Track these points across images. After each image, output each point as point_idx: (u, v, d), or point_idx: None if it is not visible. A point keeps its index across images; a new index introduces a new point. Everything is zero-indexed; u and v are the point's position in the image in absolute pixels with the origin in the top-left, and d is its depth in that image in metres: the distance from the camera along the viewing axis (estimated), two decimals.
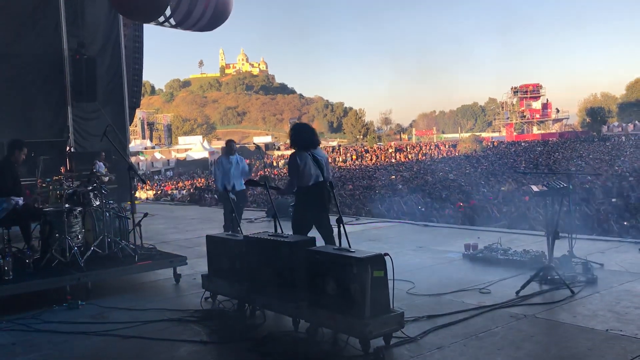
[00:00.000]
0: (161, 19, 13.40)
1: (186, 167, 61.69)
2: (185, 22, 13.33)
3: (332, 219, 5.66)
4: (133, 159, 50.76)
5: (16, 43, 16.04)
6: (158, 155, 67.71)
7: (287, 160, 6.46)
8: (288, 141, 6.40)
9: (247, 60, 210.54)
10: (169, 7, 12.69)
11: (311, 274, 4.49)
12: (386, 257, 4.15)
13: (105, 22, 18.09)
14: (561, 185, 5.84)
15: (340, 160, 64.42)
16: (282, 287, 4.75)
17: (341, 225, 4.90)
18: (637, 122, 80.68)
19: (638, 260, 6.67)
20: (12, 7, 15.95)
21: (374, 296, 4.04)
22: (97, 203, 7.20)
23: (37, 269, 6.40)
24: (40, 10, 16.54)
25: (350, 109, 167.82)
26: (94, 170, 13.82)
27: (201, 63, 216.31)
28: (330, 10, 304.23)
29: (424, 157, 59.62)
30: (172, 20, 13.22)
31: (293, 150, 6.22)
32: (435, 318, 4.86)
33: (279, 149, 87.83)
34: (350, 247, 4.79)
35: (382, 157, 66.08)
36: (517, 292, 5.48)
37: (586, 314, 4.79)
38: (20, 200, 6.92)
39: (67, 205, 6.86)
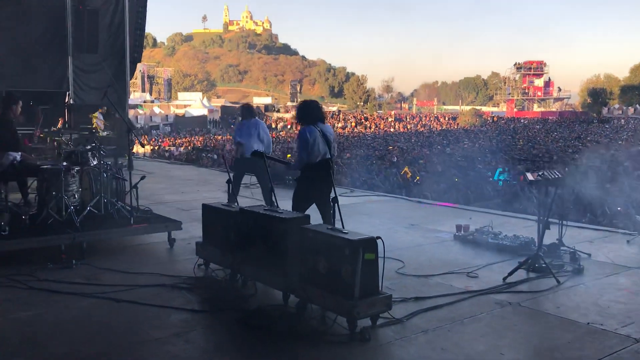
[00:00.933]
0: None
1: (185, 124, 61.48)
2: None
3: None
4: (131, 112, 50.49)
5: None
6: (157, 110, 67.39)
7: (295, 137, 6.44)
8: (293, 114, 6.42)
9: (251, 18, 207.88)
10: None
11: (304, 252, 4.56)
12: (378, 240, 4.22)
13: None
14: (556, 176, 5.89)
15: (339, 126, 64.22)
16: (275, 262, 4.84)
17: (336, 205, 4.98)
18: (637, 105, 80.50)
19: (625, 252, 6.78)
20: None
21: (364, 278, 4.13)
22: (95, 162, 7.24)
23: (32, 225, 6.47)
24: None
25: (353, 74, 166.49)
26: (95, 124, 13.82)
27: (204, 18, 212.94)
28: None
29: (423, 128, 59.52)
30: None
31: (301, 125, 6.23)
32: (422, 300, 4.97)
33: (278, 111, 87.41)
34: (343, 227, 4.87)
35: (382, 126, 65.96)
36: (504, 279, 5.59)
37: (569, 305, 4.90)
38: (18, 156, 6.95)
39: (64, 164, 6.89)
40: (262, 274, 5.04)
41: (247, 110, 9.16)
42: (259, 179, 8.51)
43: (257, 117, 9.24)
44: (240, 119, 9.47)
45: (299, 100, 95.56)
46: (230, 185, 6.22)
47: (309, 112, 6.21)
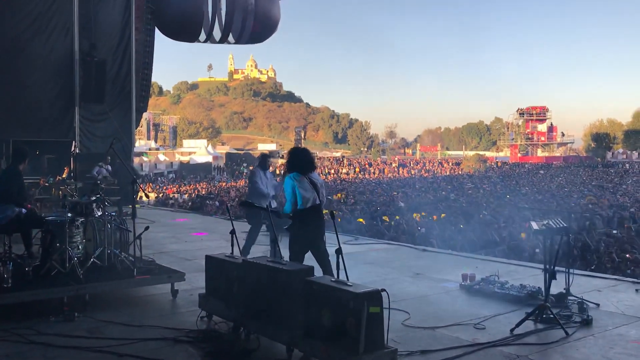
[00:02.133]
0: (202, 37, 13.52)
1: (189, 171, 61.77)
2: (227, 38, 13.39)
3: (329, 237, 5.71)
4: (136, 160, 50.90)
5: (28, 42, 16.22)
6: (162, 157, 67.86)
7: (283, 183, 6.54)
8: (284, 163, 6.47)
9: (255, 67, 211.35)
10: (203, 29, 12.82)
11: (307, 304, 4.51)
12: (383, 293, 4.18)
13: (117, 26, 18.27)
14: (561, 225, 5.86)
15: (344, 172, 64.41)
16: (278, 315, 4.78)
17: (340, 255, 4.96)
18: None
19: (634, 301, 6.68)
20: (26, 7, 16.11)
21: (369, 331, 4.07)
22: (99, 213, 7.25)
23: (35, 277, 6.44)
24: (53, 11, 16.72)
25: (356, 120, 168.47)
26: (94, 174, 13.92)
27: (210, 67, 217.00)
28: (340, 22, 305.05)
29: (427, 174, 59.63)
30: (213, 39, 13.33)
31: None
32: (428, 353, 4.88)
33: (282, 157, 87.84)
34: (347, 278, 4.83)
35: (386, 171, 66.14)
36: (512, 330, 5.49)
37: (579, 358, 4.80)
38: (24, 211, 6.98)
39: (69, 215, 6.91)
40: (265, 327, 4.97)
41: (264, 160, 9.43)
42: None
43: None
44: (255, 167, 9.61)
45: (303, 145, 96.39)
46: (234, 236, 6.19)
47: (299, 160, 6.28)
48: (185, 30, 13.03)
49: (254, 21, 12.83)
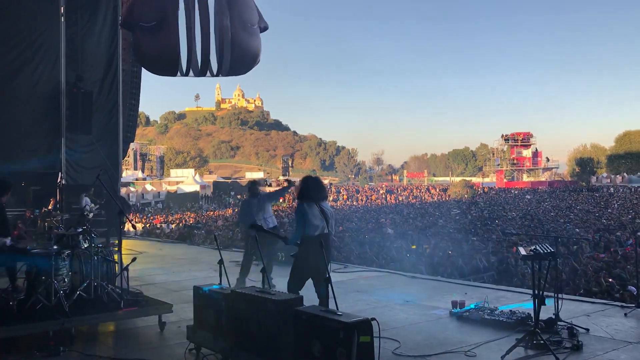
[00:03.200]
0: (180, 72, 13.64)
1: (177, 200, 61.51)
2: (206, 73, 13.51)
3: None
4: (123, 190, 50.60)
5: (14, 73, 16.18)
6: (149, 187, 67.55)
7: (294, 210, 6.59)
8: (296, 192, 6.50)
9: (243, 96, 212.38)
10: (182, 62, 12.91)
11: (297, 335, 4.48)
12: (373, 322, 4.16)
13: (104, 57, 18.30)
14: (548, 251, 5.89)
15: (331, 199, 64.44)
16: (268, 346, 4.73)
17: (329, 284, 4.94)
18: (625, 174, 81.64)
19: (623, 326, 6.69)
20: (13, 38, 16.13)
21: None
22: (86, 245, 7.18)
23: (20, 311, 6.33)
24: (40, 43, 16.73)
25: (343, 148, 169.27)
26: (84, 205, 13.85)
27: (197, 97, 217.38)
28: (325, 52, 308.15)
29: (414, 200, 59.81)
30: (191, 73, 13.44)
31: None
32: None
33: (270, 185, 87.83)
34: (337, 306, 4.80)
35: (373, 198, 66.26)
36: (503, 357, 5.47)
37: None
38: (8, 241, 6.90)
39: (55, 247, 6.83)
40: (254, 359, 4.91)
41: (253, 187, 9.52)
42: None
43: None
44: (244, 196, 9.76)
45: (290, 174, 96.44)
46: (222, 266, 6.15)
47: (308, 189, 6.32)
48: (162, 66, 13.13)
49: (232, 55, 12.95)
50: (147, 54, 13.57)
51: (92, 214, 9.49)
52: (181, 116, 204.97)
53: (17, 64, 16.20)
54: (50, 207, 14.27)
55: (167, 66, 12.71)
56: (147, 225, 36.06)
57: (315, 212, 6.16)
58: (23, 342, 5.86)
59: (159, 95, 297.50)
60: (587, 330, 6.39)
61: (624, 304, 7.90)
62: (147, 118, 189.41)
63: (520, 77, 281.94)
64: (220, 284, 5.97)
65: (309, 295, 5.68)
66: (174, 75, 13.85)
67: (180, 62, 12.93)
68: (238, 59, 14.02)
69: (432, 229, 25.10)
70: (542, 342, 5.67)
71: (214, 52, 12.84)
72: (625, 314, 7.18)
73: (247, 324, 5.00)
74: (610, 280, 11.80)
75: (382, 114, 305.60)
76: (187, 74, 13.44)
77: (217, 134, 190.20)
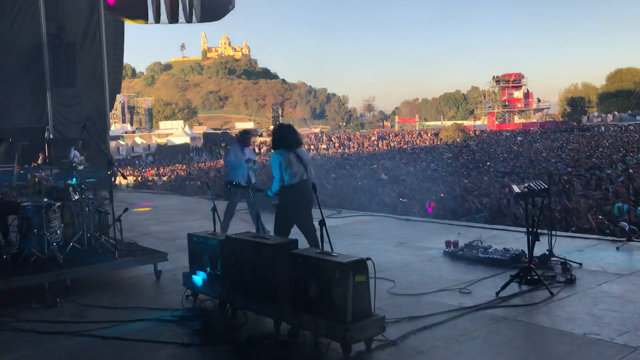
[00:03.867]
0: (151, 19, 13.40)
1: (167, 153, 61.19)
2: (177, 18, 13.28)
3: (316, 214, 5.65)
4: (113, 144, 50.25)
5: None
6: (138, 140, 67.06)
7: (269, 160, 6.49)
8: (270, 141, 6.44)
9: (229, 44, 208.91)
10: (149, 10, 12.66)
11: (293, 277, 4.48)
12: (368, 262, 4.15)
13: (86, 6, 17.82)
14: (541, 187, 5.87)
15: (323, 147, 64.32)
16: (264, 289, 4.74)
17: (323, 227, 4.91)
18: (616, 112, 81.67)
19: (615, 259, 6.76)
20: None
21: (356, 301, 4.05)
22: (77, 197, 7.11)
23: (14, 264, 6.31)
24: None
25: (334, 95, 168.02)
26: (72, 158, 13.70)
27: (183, 46, 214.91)
28: None
29: (406, 146, 59.78)
30: (163, 19, 13.18)
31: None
32: (416, 319, 4.88)
33: (261, 135, 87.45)
34: (332, 249, 4.79)
35: (365, 145, 66.18)
36: (497, 293, 5.53)
37: (564, 317, 4.84)
38: None
39: (45, 200, 6.76)
40: (252, 302, 4.93)
41: (245, 137, 9.35)
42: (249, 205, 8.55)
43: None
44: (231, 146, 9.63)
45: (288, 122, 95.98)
46: (216, 213, 6.12)
47: (282, 137, 6.25)
48: (132, 11, 12.96)
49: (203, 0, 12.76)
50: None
51: (81, 166, 9.34)
52: (167, 67, 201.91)
53: None
54: (39, 162, 14.12)
55: (135, 12, 12.51)
56: (139, 179, 35.94)
57: (292, 160, 6.09)
58: (19, 295, 5.85)
59: (144, 46, 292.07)
60: (580, 264, 6.46)
61: (615, 239, 7.99)
62: (133, 70, 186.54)
63: (510, 18, 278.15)
64: (214, 231, 5.95)
65: (301, 240, 5.67)
66: (146, 21, 13.61)
67: (148, 8, 12.68)
68: (209, 5, 13.77)
69: (425, 173, 25.12)
70: (536, 277, 5.72)
71: None
72: (617, 248, 7.26)
73: (243, 268, 4.99)
74: (601, 217, 11.90)
75: (373, 59, 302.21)
76: (158, 20, 13.18)
77: (205, 84, 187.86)
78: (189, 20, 13.65)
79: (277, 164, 6.10)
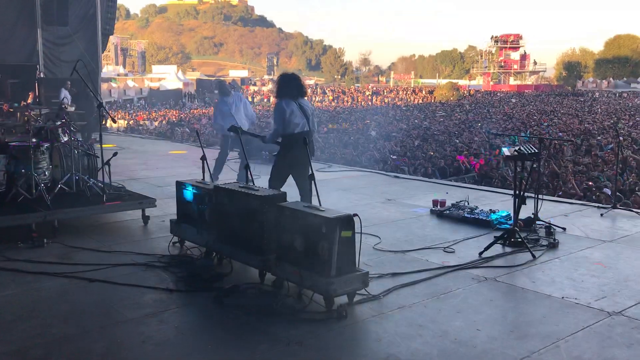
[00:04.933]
0: None
1: (159, 98, 60.54)
2: None
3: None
4: (105, 86, 49.58)
5: None
6: (131, 83, 66.18)
7: (272, 108, 6.41)
8: (274, 90, 6.36)
9: None
10: None
11: (280, 229, 4.51)
12: (355, 218, 4.19)
13: None
14: (532, 151, 5.89)
15: (317, 100, 63.88)
16: (251, 240, 4.78)
17: (312, 182, 4.93)
18: (611, 79, 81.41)
19: (599, 226, 6.85)
20: None
21: (341, 256, 4.10)
22: (66, 139, 7.06)
23: (1, 204, 6.30)
24: None
25: (330, 47, 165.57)
26: (62, 98, 13.53)
27: None
28: None
29: (400, 102, 59.49)
30: None
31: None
32: (398, 276, 4.96)
33: (255, 84, 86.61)
34: (320, 203, 4.81)
35: (359, 99, 65.76)
36: (480, 254, 5.61)
37: (544, 280, 4.94)
38: None
39: (34, 140, 6.70)
40: (238, 252, 4.98)
41: (224, 87, 9.30)
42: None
43: (235, 92, 9.33)
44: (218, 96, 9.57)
45: (276, 73, 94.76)
46: (205, 162, 6.12)
47: (287, 86, 6.14)
48: None
49: None
50: None
51: (72, 107, 9.27)
52: (162, 10, 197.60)
53: None
54: (29, 101, 13.96)
55: None
56: (130, 122, 35.68)
57: (294, 110, 6.01)
58: (6, 234, 5.87)
59: None
60: (564, 229, 6.55)
61: (600, 205, 8.08)
62: (127, 11, 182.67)
63: None
64: (203, 179, 5.95)
65: (292, 192, 5.68)
66: None
67: None
68: None
69: (417, 131, 25.10)
70: (519, 239, 5.80)
71: None
72: (602, 214, 7.35)
73: (230, 218, 5.02)
74: (589, 183, 12.00)
75: (371, 13, 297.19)
76: None
77: (200, 29, 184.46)
78: None
79: (279, 113, 6.02)
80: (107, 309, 4.28)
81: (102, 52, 19.89)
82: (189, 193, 5.69)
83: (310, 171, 5.08)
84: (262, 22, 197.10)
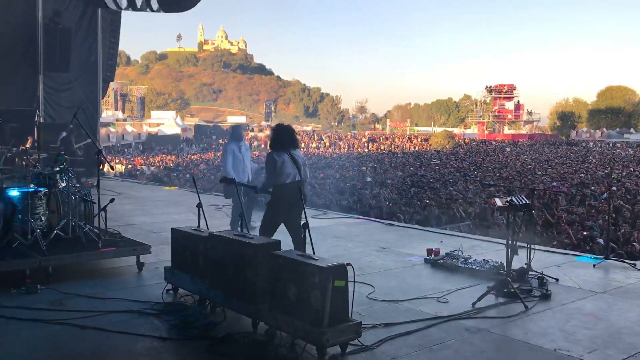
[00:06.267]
0: (123, 4, 13.68)
1: (157, 143, 60.94)
2: (134, 5, 13.64)
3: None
4: (103, 131, 49.97)
5: None
6: (129, 128, 66.75)
7: (264, 159, 6.53)
8: (267, 134, 6.51)
9: (226, 38, 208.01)
10: None
11: (273, 278, 4.54)
12: (348, 267, 4.23)
13: None
14: (524, 202, 5.98)
15: (314, 146, 64.34)
16: (244, 288, 4.80)
17: (306, 230, 4.99)
18: (604, 129, 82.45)
19: (592, 277, 6.88)
20: None
21: (334, 305, 4.12)
22: (63, 185, 7.12)
23: None
24: None
25: (327, 95, 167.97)
26: (61, 138, 13.63)
27: (179, 37, 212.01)
28: None
29: (396, 149, 59.95)
30: (135, 5, 13.52)
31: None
32: (392, 326, 4.96)
33: (252, 130, 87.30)
34: (314, 252, 4.86)
35: (356, 146, 66.27)
36: (474, 304, 5.62)
37: (537, 331, 4.94)
38: None
39: (32, 186, 6.77)
40: (231, 301, 4.99)
41: (239, 132, 9.49)
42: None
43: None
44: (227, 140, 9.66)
45: (273, 119, 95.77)
46: (201, 209, 6.18)
47: (279, 138, 6.30)
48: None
49: None
50: None
51: (77, 146, 9.39)
52: (162, 57, 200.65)
53: None
54: (27, 146, 14.06)
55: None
56: (128, 167, 35.82)
57: (285, 160, 6.16)
58: None
59: (140, 35, 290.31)
60: (557, 280, 6.58)
61: (593, 256, 8.11)
62: (128, 57, 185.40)
63: (506, 30, 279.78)
64: (198, 226, 6.00)
65: (286, 240, 5.73)
66: (114, 7, 13.99)
67: None
68: None
69: (412, 179, 25.26)
70: (512, 290, 5.82)
71: None
72: (594, 265, 7.38)
73: (224, 266, 5.04)
74: (584, 233, 12.06)
75: (368, 62, 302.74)
76: (128, 8, 13.47)
77: (199, 76, 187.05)
78: (145, 8, 13.96)
79: (272, 164, 6.17)
80: (99, 357, 4.26)
81: (102, 98, 20.20)
82: (184, 240, 5.72)
83: (304, 219, 5.14)
84: (261, 69, 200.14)
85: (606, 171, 29.63)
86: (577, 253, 8.50)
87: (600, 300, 5.91)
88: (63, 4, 16.98)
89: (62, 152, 7.59)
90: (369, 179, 24.33)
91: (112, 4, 14.57)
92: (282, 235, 5.99)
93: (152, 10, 14.25)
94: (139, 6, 14.16)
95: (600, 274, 7.07)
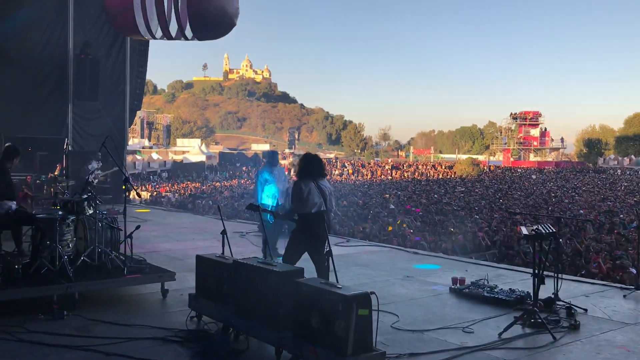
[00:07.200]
0: (145, 33, 14.03)
1: (182, 170, 61.59)
2: (169, 35, 13.93)
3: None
4: (129, 158, 50.68)
5: (22, 39, 16.12)
6: (155, 156, 67.58)
7: (291, 187, 6.62)
8: (291, 161, 6.58)
9: (250, 67, 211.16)
10: (139, 27, 13.46)
11: (297, 306, 4.54)
12: (372, 296, 4.20)
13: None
14: (549, 231, 5.90)
15: (337, 173, 64.39)
16: (267, 316, 4.79)
17: (330, 258, 4.98)
18: (633, 156, 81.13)
19: (622, 307, 6.73)
20: (22, 2, 16.01)
21: (357, 334, 4.09)
22: (91, 212, 7.24)
23: (25, 274, 6.42)
24: (49, 7, 16.65)
25: (350, 122, 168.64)
26: (88, 167, 13.90)
27: (205, 66, 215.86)
28: (337, 24, 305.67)
29: (420, 177, 59.72)
30: (156, 35, 13.84)
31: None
32: (416, 356, 4.91)
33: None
34: (337, 280, 4.85)
35: (379, 173, 66.19)
36: (500, 334, 5.53)
37: None
38: (14, 205, 6.96)
39: (60, 213, 6.89)
40: (254, 328, 4.98)
41: (275, 158, 9.97)
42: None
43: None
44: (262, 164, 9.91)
45: (297, 147, 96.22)
46: (225, 236, 6.22)
47: (307, 167, 6.33)
48: (125, 27, 13.93)
49: (191, 18, 13.24)
50: (109, 14, 14.45)
51: (96, 180, 9.53)
52: (188, 85, 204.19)
53: (24, 28, 16.09)
54: (56, 173, 14.35)
55: (128, 28, 13.30)
56: (154, 194, 36.23)
57: (312, 189, 6.17)
58: (27, 305, 5.95)
59: (166, 64, 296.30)
60: (586, 310, 6.44)
61: (623, 286, 7.94)
62: (155, 86, 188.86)
63: (531, 56, 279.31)
64: (222, 253, 6.03)
65: (309, 267, 5.72)
66: (148, 37, 14.38)
67: (138, 25, 13.33)
68: (199, 24, 14.37)
69: (436, 206, 25.10)
70: (539, 320, 5.72)
71: (172, 16, 13.22)
72: (624, 296, 7.22)
73: (248, 294, 5.05)
74: (612, 262, 11.81)
75: (391, 89, 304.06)
76: (158, 36, 13.83)
77: (224, 105, 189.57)
78: (179, 37, 14.29)
79: (298, 192, 6.19)
80: None
81: (129, 127, 20.57)
82: (208, 267, 5.75)
83: (327, 247, 5.14)
84: (285, 98, 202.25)
85: (635, 199, 29.10)
86: (606, 283, 8.31)
87: (631, 332, 5.77)
88: (93, 35, 17.43)
89: (90, 180, 7.73)
90: (392, 207, 24.23)
91: (147, 34, 14.93)
92: (305, 262, 5.99)
93: (187, 39, 14.57)
94: (173, 35, 14.47)
95: (631, 304, 6.90)
